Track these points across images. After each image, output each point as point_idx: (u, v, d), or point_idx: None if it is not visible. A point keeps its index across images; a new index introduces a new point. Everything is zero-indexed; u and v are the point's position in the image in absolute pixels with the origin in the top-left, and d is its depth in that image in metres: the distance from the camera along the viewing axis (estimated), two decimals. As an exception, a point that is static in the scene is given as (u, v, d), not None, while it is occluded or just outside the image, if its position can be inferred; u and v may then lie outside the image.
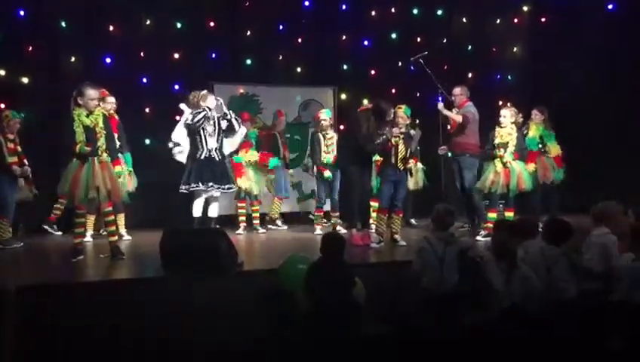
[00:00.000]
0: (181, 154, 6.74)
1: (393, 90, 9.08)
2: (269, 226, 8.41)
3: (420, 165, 7.71)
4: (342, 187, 7.53)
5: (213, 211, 6.73)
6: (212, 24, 8.95)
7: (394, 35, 9.82)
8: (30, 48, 8.08)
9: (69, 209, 6.39)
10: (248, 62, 9.24)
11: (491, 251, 4.64)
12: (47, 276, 5.16)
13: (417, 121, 6.85)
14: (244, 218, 7.97)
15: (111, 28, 8.43)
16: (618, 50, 8.95)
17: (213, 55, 9.00)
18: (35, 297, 4.27)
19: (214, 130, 6.57)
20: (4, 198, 6.60)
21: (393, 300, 4.62)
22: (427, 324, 4.20)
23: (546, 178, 7.74)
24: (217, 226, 6.60)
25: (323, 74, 9.54)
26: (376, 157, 6.82)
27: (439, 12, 10.08)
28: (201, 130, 6.49)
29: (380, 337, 4.06)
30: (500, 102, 8.29)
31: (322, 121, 7.60)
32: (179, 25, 8.80)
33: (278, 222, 8.54)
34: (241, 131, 7.02)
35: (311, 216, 8.32)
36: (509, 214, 6.92)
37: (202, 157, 6.50)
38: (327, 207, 7.84)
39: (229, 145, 7.04)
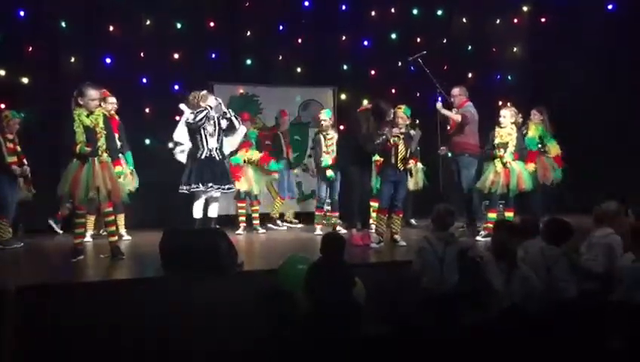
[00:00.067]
0: (182, 154, 6.75)
1: (393, 91, 9.09)
2: (274, 224, 8.46)
3: (420, 165, 7.71)
4: (342, 187, 7.54)
5: (213, 211, 6.73)
6: (212, 24, 8.96)
7: (394, 36, 9.82)
8: (30, 48, 8.08)
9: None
10: (248, 62, 9.25)
11: (491, 251, 4.64)
12: (47, 276, 5.16)
13: (417, 122, 6.86)
14: (244, 218, 7.97)
15: (111, 28, 8.43)
16: (618, 50, 8.95)
17: (213, 55, 9.00)
18: (35, 297, 4.27)
19: (214, 129, 6.58)
20: (3, 198, 6.60)
21: (393, 300, 4.62)
22: (427, 324, 4.20)
23: (546, 178, 7.74)
24: (217, 226, 6.60)
25: (323, 74, 9.55)
26: (377, 158, 6.82)
27: (439, 12, 10.09)
28: (202, 130, 6.49)
29: (380, 337, 4.06)
30: (500, 103, 8.29)
31: (322, 122, 7.61)
32: (179, 25, 8.80)
33: (279, 222, 8.56)
34: (241, 130, 7.03)
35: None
36: (509, 214, 6.92)
37: (203, 156, 6.51)
38: (327, 207, 7.84)
39: (229, 144, 7.04)
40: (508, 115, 6.86)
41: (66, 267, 5.44)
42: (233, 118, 6.72)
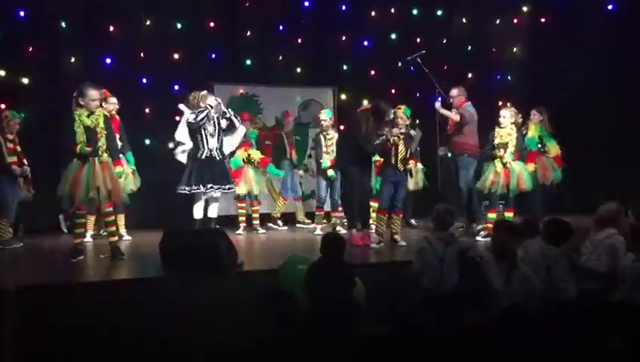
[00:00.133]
0: (183, 155, 6.75)
1: (393, 91, 9.09)
2: (275, 224, 8.47)
3: (420, 166, 7.72)
4: (342, 187, 7.53)
5: (213, 211, 6.73)
6: (212, 24, 8.96)
7: (394, 36, 9.83)
8: (30, 49, 8.09)
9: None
10: (248, 62, 9.25)
11: (491, 251, 4.64)
12: (47, 276, 5.16)
13: (417, 122, 6.85)
14: (244, 218, 7.97)
15: (111, 28, 8.44)
16: (618, 50, 8.95)
17: (213, 55, 9.00)
18: (35, 297, 4.27)
19: (215, 129, 6.60)
20: (3, 198, 6.61)
21: (393, 300, 4.62)
22: (427, 324, 4.20)
23: (546, 178, 7.73)
24: (217, 226, 6.60)
25: (323, 74, 9.55)
26: (377, 158, 6.83)
27: (439, 12, 10.09)
28: (203, 130, 6.50)
29: (380, 337, 4.06)
30: (500, 103, 8.28)
31: (322, 122, 7.61)
32: (179, 25, 8.80)
33: (279, 222, 8.56)
34: (241, 130, 7.03)
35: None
36: (509, 214, 6.92)
37: (203, 156, 6.52)
38: (327, 207, 7.85)
39: (229, 144, 7.04)
40: (508, 115, 6.86)
41: (66, 267, 5.44)
42: (233, 118, 6.74)
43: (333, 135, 7.61)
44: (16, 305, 4.14)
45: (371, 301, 4.38)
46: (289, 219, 8.78)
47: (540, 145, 7.75)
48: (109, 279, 5.03)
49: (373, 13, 9.80)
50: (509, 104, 7.42)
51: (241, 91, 9.25)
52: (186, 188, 6.48)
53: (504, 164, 6.77)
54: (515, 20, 10.23)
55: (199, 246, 4.90)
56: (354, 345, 3.95)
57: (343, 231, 7.12)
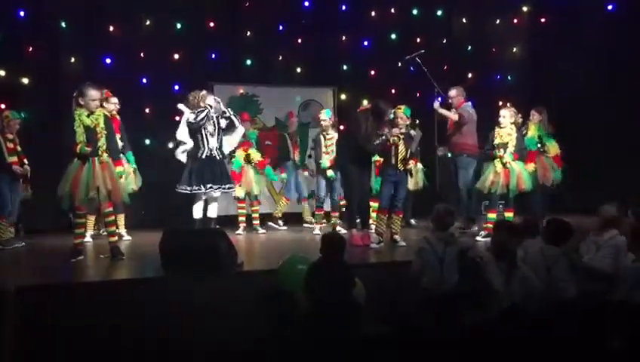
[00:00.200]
0: (183, 155, 6.74)
1: (393, 91, 9.10)
2: (276, 224, 8.47)
3: (420, 166, 7.72)
4: (342, 187, 7.53)
5: (213, 211, 6.73)
6: (212, 24, 8.97)
7: (394, 36, 9.83)
8: (30, 49, 8.09)
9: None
10: (248, 62, 9.26)
11: (491, 251, 4.64)
12: (47, 276, 5.16)
13: (417, 122, 6.85)
14: (244, 218, 7.97)
15: (111, 28, 8.44)
16: (618, 51, 8.95)
17: (213, 55, 9.00)
18: (35, 297, 4.26)
19: (214, 129, 6.59)
20: (3, 198, 6.60)
21: (393, 300, 4.62)
22: (427, 324, 4.20)
23: (546, 178, 7.72)
24: (217, 226, 6.60)
25: (323, 74, 9.55)
26: (377, 158, 6.82)
27: (439, 12, 10.10)
28: (203, 130, 6.50)
29: (380, 337, 4.06)
30: (500, 103, 8.28)
31: (322, 122, 7.61)
32: (179, 25, 8.81)
33: (280, 222, 8.55)
34: (240, 130, 7.02)
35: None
36: (509, 214, 6.92)
37: (204, 156, 6.51)
38: (327, 207, 7.84)
39: (228, 144, 7.03)
40: (507, 115, 6.86)
41: (66, 267, 5.44)
42: (233, 117, 6.74)
43: (333, 135, 7.60)
44: (16, 305, 4.14)
45: (371, 301, 4.38)
46: (290, 219, 8.77)
47: (539, 145, 7.75)
48: (109, 279, 5.03)
49: (373, 13, 9.81)
50: (508, 104, 7.41)
51: (241, 91, 9.25)
52: (187, 188, 6.47)
53: (504, 164, 6.76)
54: (515, 20, 10.24)
55: (199, 246, 4.90)
56: (354, 345, 3.95)
57: (342, 231, 7.13)
